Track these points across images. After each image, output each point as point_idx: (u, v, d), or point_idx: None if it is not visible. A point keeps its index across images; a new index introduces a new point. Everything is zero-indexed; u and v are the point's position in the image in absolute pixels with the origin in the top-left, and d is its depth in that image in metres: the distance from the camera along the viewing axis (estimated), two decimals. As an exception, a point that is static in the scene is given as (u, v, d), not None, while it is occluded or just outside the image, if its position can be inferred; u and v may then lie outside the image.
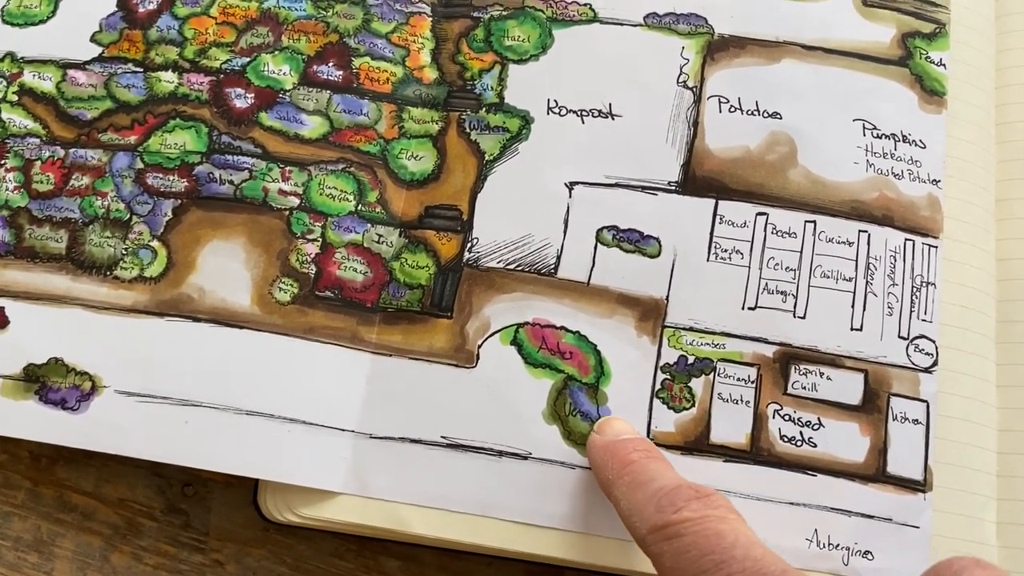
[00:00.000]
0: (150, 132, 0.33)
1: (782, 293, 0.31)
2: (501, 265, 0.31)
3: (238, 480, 0.31)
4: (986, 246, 0.32)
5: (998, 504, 0.30)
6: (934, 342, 0.30)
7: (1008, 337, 0.31)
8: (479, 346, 0.30)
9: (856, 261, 0.31)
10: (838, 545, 0.29)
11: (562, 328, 0.31)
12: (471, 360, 0.30)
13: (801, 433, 0.29)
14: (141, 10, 0.35)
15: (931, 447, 0.29)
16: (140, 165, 0.33)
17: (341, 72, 0.34)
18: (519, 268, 0.31)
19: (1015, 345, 0.31)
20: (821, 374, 0.30)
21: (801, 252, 0.31)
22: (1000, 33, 0.35)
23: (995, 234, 0.32)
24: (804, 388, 0.30)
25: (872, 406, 0.30)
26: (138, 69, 0.34)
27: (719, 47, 0.33)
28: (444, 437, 0.30)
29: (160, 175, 0.33)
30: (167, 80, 0.34)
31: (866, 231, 0.31)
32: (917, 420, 0.29)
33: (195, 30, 0.34)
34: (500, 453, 0.29)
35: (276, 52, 0.34)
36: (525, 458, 0.29)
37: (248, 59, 0.34)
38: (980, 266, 0.32)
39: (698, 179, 0.32)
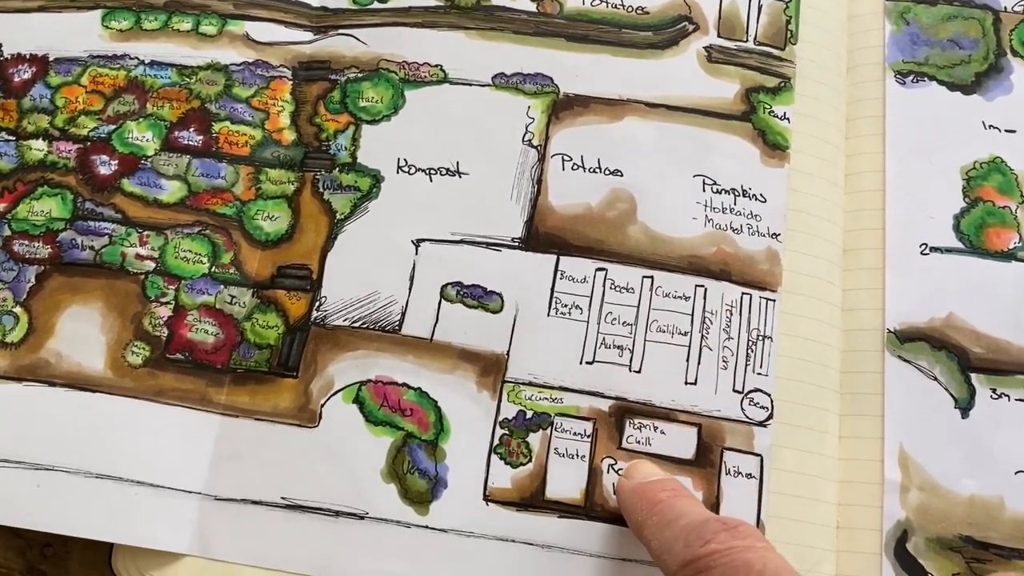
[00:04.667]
0: (19, 200, 0.34)
1: (619, 347, 0.31)
2: (347, 323, 0.32)
3: (96, 541, 0.32)
4: (830, 298, 0.32)
5: (837, 556, 0.30)
6: (769, 395, 0.30)
7: (852, 388, 0.32)
8: (322, 405, 0.31)
9: (692, 315, 0.31)
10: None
11: (404, 385, 0.31)
12: (314, 419, 0.31)
13: (635, 488, 0.30)
14: (16, 79, 0.36)
15: (764, 501, 0.29)
16: (7, 232, 0.34)
17: (201, 137, 0.35)
18: (364, 325, 0.32)
19: (859, 396, 0.31)
20: (655, 428, 0.30)
21: (638, 307, 0.31)
22: (851, 84, 0.35)
23: (841, 285, 0.33)
24: (638, 442, 0.30)
25: (705, 460, 0.30)
26: (11, 137, 0.35)
27: (564, 106, 0.34)
28: (284, 498, 0.30)
29: (26, 242, 0.34)
30: (37, 148, 0.35)
31: (703, 285, 0.31)
32: (750, 474, 0.30)
33: (66, 99, 0.36)
34: (337, 513, 0.30)
35: (140, 119, 0.35)
36: (361, 518, 0.30)
37: (114, 127, 0.35)
38: (821, 318, 0.32)
39: (540, 235, 0.32)
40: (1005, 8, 0.35)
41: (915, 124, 0.34)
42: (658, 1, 0.35)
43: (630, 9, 0.34)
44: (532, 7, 0.35)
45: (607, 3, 0.35)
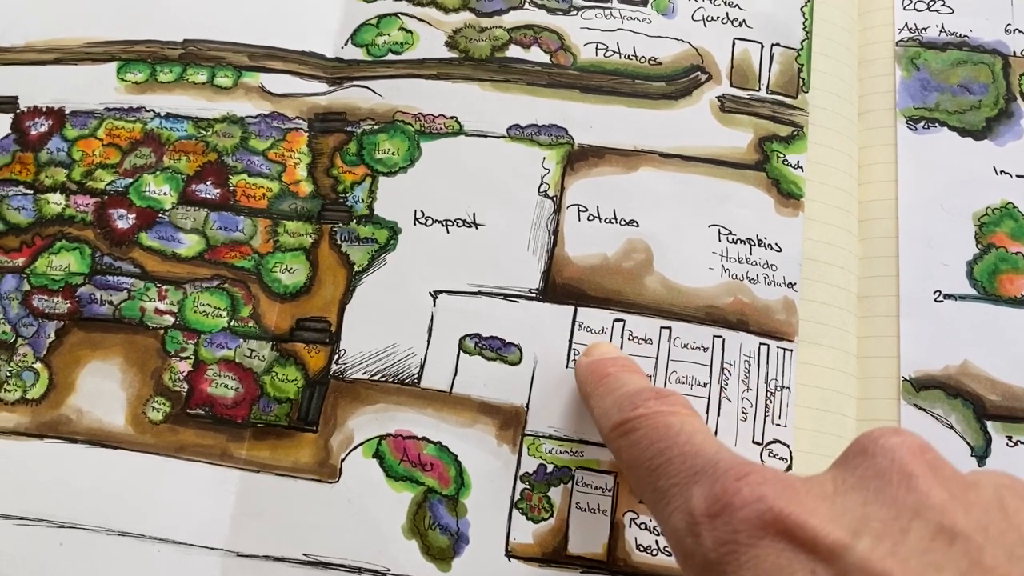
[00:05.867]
0: (37, 254, 0.35)
1: (638, 400, 0.31)
2: (366, 376, 0.32)
3: (117, 595, 0.32)
4: (845, 346, 0.32)
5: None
6: (788, 446, 0.31)
7: (870, 435, 0.32)
8: (342, 460, 0.31)
9: (710, 366, 0.31)
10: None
11: (424, 439, 0.31)
12: (334, 475, 0.31)
13: (657, 542, 0.30)
14: (33, 132, 0.36)
15: (785, 553, 0.29)
16: (27, 287, 0.34)
17: (219, 190, 0.35)
18: (384, 379, 0.32)
19: (876, 443, 0.32)
20: (676, 481, 0.30)
21: (657, 358, 0.31)
22: (864, 130, 0.35)
23: (856, 332, 0.33)
24: (659, 496, 0.30)
25: (726, 513, 0.30)
26: (28, 191, 0.36)
27: (578, 157, 0.34)
28: (306, 555, 0.30)
29: (45, 297, 0.34)
30: (55, 202, 0.35)
31: (720, 336, 0.31)
32: (771, 526, 0.30)
33: (83, 152, 0.36)
34: (359, 570, 0.30)
35: (157, 172, 0.35)
36: (384, 575, 0.30)
37: (131, 180, 0.35)
38: (837, 367, 0.32)
39: (558, 286, 0.32)
40: (1015, 52, 0.36)
41: (927, 170, 0.34)
42: (671, 51, 0.35)
43: (643, 60, 0.35)
44: (545, 59, 0.35)
45: (620, 54, 0.35)
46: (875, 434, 0.21)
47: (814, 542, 0.19)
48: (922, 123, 0.35)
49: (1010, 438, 0.31)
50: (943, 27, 0.36)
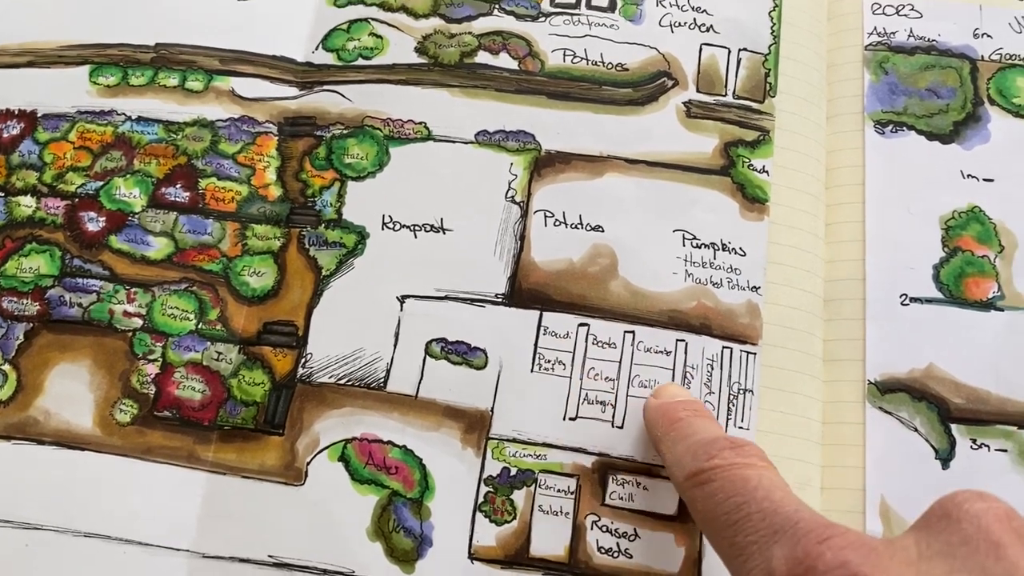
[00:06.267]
0: (7, 256, 0.35)
1: (601, 403, 0.31)
2: (333, 380, 0.32)
3: (84, 597, 0.32)
4: (810, 350, 0.32)
5: (819, 610, 0.30)
6: (750, 450, 0.31)
7: (834, 439, 0.32)
8: (308, 463, 0.31)
9: (673, 370, 0.31)
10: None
11: (389, 443, 0.31)
12: (300, 478, 0.31)
13: (618, 544, 0.30)
14: (5, 135, 0.37)
15: (746, 556, 0.30)
16: (-3, 289, 0.34)
17: (188, 193, 0.35)
18: (350, 382, 0.32)
19: (840, 447, 0.32)
20: (638, 484, 0.30)
21: (620, 362, 0.32)
22: (831, 134, 0.36)
23: (822, 336, 0.33)
24: (621, 498, 0.30)
25: (687, 516, 0.30)
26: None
27: (546, 163, 0.34)
28: (271, 556, 0.30)
29: (15, 299, 0.34)
30: (26, 204, 0.35)
31: (683, 340, 0.32)
32: (732, 529, 0.30)
33: (54, 154, 0.36)
34: (324, 572, 0.30)
35: (128, 176, 0.35)
36: (347, 576, 0.30)
37: (101, 183, 0.35)
38: (802, 370, 0.32)
39: (524, 291, 0.33)
40: (982, 57, 0.36)
41: (894, 174, 0.35)
42: (638, 57, 0.35)
43: (610, 66, 0.35)
44: (514, 65, 0.35)
45: (587, 60, 0.35)
46: (959, 498, 0.21)
47: None
48: (890, 127, 0.35)
49: (974, 441, 0.31)
50: (912, 31, 0.37)
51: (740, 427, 0.31)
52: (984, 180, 0.34)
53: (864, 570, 0.19)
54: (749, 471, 0.24)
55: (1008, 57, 0.36)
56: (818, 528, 0.21)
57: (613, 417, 0.31)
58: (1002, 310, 0.33)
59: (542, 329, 0.32)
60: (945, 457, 0.31)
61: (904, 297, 0.33)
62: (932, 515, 0.21)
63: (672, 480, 0.27)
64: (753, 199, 0.33)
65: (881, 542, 0.20)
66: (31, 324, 0.34)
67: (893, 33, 0.36)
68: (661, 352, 0.31)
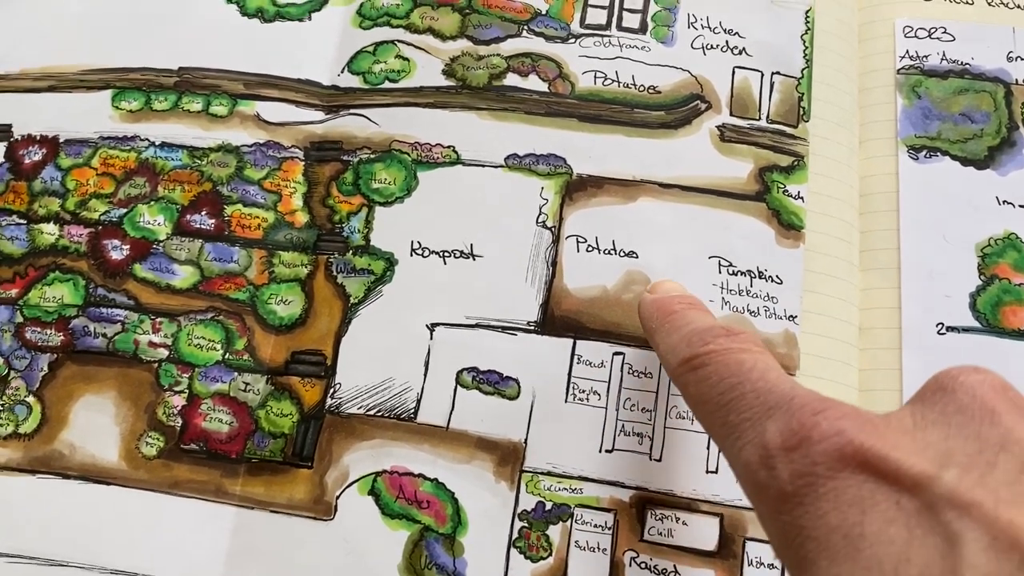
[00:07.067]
0: (30, 285, 0.34)
1: (638, 435, 0.31)
2: (362, 411, 0.32)
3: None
4: (846, 380, 0.32)
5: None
6: (790, 483, 0.30)
7: (872, 470, 0.31)
8: (337, 497, 0.31)
9: (711, 401, 0.31)
10: None
11: (420, 476, 0.31)
12: (329, 512, 0.31)
13: (657, 581, 0.29)
14: (27, 161, 0.36)
15: (787, 592, 0.29)
16: (20, 319, 0.34)
17: (213, 220, 0.35)
18: (379, 413, 0.32)
19: (879, 478, 0.31)
20: (677, 519, 0.30)
21: (657, 392, 0.31)
22: (865, 159, 0.35)
23: (857, 365, 0.32)
24: (660, 534, 0.30)
25: (728, 551, 0.29)
26: (22, 221, 0.35)
27: (577, 187, 0.34)
28: (301, 593, 0.30)
29: (38, 329, 0.34)
30: (49, 232, 0.35)
31: (721, 370, 0.31)
32: (773, 564, 0.29)
33: (77, 181, 0.36)
34: (355, 609, 0.29)
35: (152, 203, 0.35)
36: (380, 614, 0.29)
37: (125, 210, 0.35)
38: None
39: (556, 319, 0.32)
40: (1016, 80, 0.35)
41: (929, 200, 0.34)
42: (670, 80, 0.35)
43: (642, 88, 0.34)
44: (544, 87, 0.35)
45: (619, 82, 0.35)
46: (953, 372, 0.21)
47: (897, 474, 0.18)
48: (924, 152, 0.35)
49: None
50: (944, 55, 0.36)
51: (779, 459, 0.30)
52: (1020, 206, 0.34)
53: (860, 438, 0.19)
54: (744, 355, 0.24)
55: (1042, 80, 0.36)
56: (813, 402, 0.21)
57: (651, 449, 0.30)
58: (1041, 338, 0.32)
59: (576, 358, 0.32)
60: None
61: (940, 326, 0.33)
62: (927, 389, 0.21)
63: (666, 368, 0.27)
64: (789, 226, 0.33)
65: (877, 415, 0.20)
66: (55, 355, 0.33)
67: (926, 56, 0.36)
68: (698, 383, 0.31)
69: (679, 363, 0.25)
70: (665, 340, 0.27)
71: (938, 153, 0.35)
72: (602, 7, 0.36)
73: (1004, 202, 0.34)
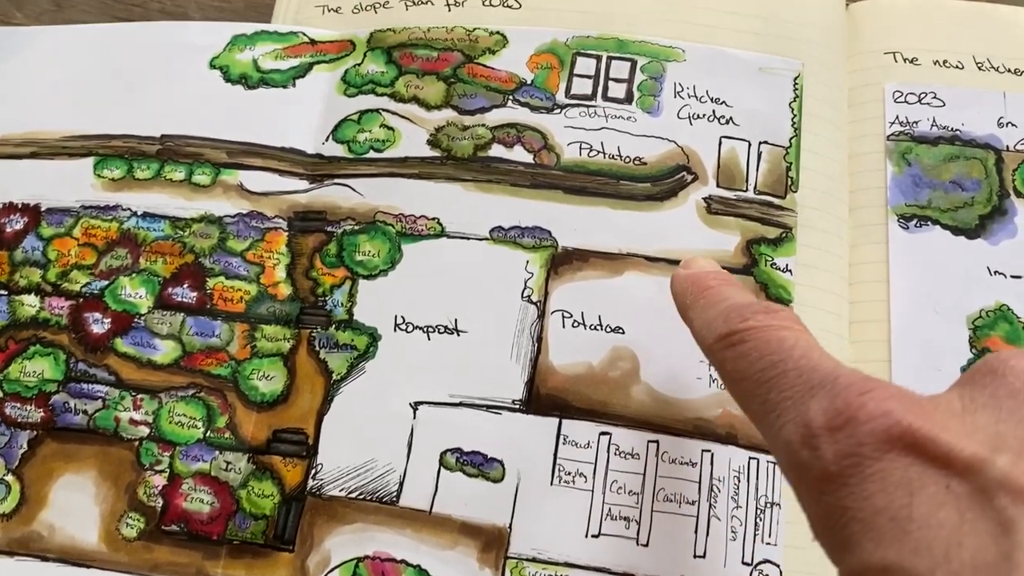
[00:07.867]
0: (11, 359, 0.34)
1: (625, 519, 0.30)
2: (344, 493, 0.31)
3: None
4: (837, 457, 0.31)
5: None
6: (778, 566, 0.30)
7: (863, 551, 0.31)
8: (320, 582, 0.30)
9: (699, 483, 0.30)
10: None
11: (403, 562, 0.30)
12: (311, 598, 0.30)
13: (643, 670, 0.29)
14: (8, 230, 0.36)
15: None
16: (0, 394, 0.33)
17: (195, 293, 0.34)
18: (362, 496, 0.31)
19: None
20: (664, 606, 0.29)
21: (644, 474, 0.31)
22: (854, 227, 0.35)
23: (848, 441, 0.32)
24: (646, 621, 0.29)
25: (716, 640, 0.29)
26: (3, 292, 0.35)
27: (563, 260, 0.33)
28: None
29: (18, 405, 0.33)
30: (30, 304, 0.35)
31: (709, 450, 0.31)
32: (761, 653, 0.29)
33: (58, 251, 0.35)
34: None
35: (134, 275, 0.34)
36: None
37: (107, 282, 0.34)
38: (829, 480, 0.31)
39: (542, 397, 0.32)
40: (1007, 147, 0.35)
41: (920, 270, 0.34)
42: (656, 151, 0.34)
43: (628, 159, 0.34)
44: (529, 158, 0.34)
45: (604, 154, 0.34)
46: (1004, 355, 0.20)
47: (947, 457, 0.18)
48: (914, 221, 0.34)
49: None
50: (935, 120, 0.36)
51: (768, 543, 0.30)
52: (1012, 277, 0.33)
53: (908, 419, 0.18)
54: (785, 332, 0.23)
55: (1034, 146, 0.35)
56: (859, 382, 0.20)
57: (638, 534, 0.30)
58: (1034, 412, 0.32)
59: (561, 438, 0.31)
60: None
61: (933, 398, 0.32)
62: (977, 372, 0.20)
63: (700, 345, 0.26)
64: (777, 299, 0.32)
65: (925, 396, 0.20)
66: (35, 432, 0.33)
67: (916, 122, 0.36)
68: (687, 463, 0.30)
69: (716, 339, 0.24)
70: (701, 315, 0.26)
71: (928, 222, 0.34)
72: (588, 77, 0.35)
73: (995, 272, 0.34)
